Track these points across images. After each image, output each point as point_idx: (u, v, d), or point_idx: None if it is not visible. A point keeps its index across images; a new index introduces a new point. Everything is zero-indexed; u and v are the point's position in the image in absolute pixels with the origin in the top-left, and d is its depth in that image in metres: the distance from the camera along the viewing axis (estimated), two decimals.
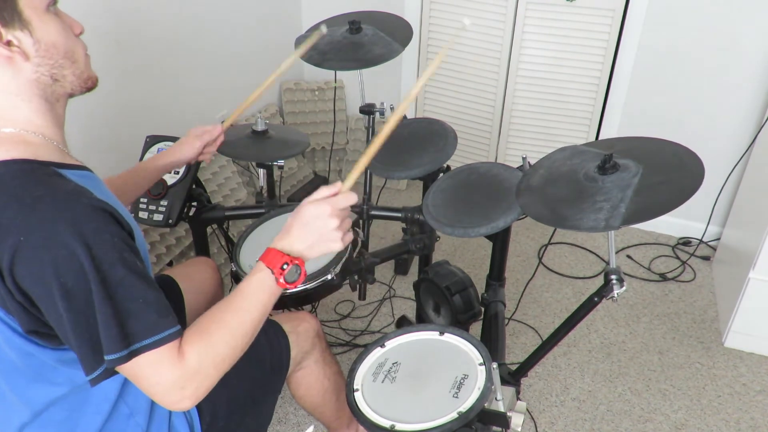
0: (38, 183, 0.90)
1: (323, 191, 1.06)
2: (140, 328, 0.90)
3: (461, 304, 1.71)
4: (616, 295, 1.31)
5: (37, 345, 0.95)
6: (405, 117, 2.09)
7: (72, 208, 0.88)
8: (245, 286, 1.03)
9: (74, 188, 0.92)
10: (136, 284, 0.90)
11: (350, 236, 1.08)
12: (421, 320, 1.93)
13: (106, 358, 0.89)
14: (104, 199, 0.93)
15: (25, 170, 0.92)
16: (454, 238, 2.65)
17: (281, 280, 1.03)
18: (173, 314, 0.94)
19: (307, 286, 1.48)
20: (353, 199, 1.06)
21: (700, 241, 2.70)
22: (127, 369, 0.92)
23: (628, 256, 2.66)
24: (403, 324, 1.73)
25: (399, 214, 2.04)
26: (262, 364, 1.29)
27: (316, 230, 1.04)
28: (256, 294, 1.03)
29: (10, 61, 0.93)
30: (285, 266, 1.02)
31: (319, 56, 1.94)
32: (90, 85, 1.04)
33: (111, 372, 0.91)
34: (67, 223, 0.86)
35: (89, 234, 0.87)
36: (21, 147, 0.94)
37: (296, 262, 1.03)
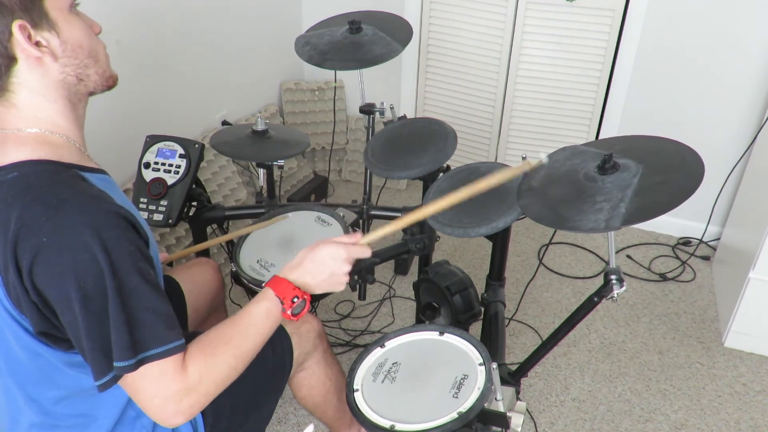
0: (63, 185, 0.91)
1: (343, 237, 1.13)
2: (148, 338, 0.91)
3: (461, 304, 1.71)
4: (615, 295, 1.31)
5: (47, 346, 0.96)
6: (405, 116, 2.10)
7: (96, 213, 0.89)
8: (253, 311, 1.05)
9: (97, 193, 0.93)
10: (148, 294, 0.92)
11: (348, 281, 1.15)
12: (421, 320, 1.94)
13: (115, 365, 0.90)
14: (123, 205, 0.95)
15: (49, 171, 0.93)
16: (454, 238, 2.65)
17: (288, 312, 1.06)
18: (179, 327, 0.96)
19: None
20: (367, 254, 1.13)
21: (700, 241, 2.70)
22: (129, 379, 0.92)
23: (628, 256, 2.66)
24: (428, 311, 1.73)
25: (399, 214, 2.04)
26: (265, 365, 1.29)
27: (328, 269, 1.09)
28: (262, 321, 1.05)
29: (39, 62, 0.94)
30: (295, 299, 1.06)
31: (319, 56, 1.94)
32: (111, 83, 1.05)
33: (118, 379, 0.92)
34: (90, 227, 0.87)
35: (110, 240, 0.88)
36: (45, 148, 0.96)
37: (305, 297, 1.08)
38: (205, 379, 0.96)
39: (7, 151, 0.95)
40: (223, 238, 1.74)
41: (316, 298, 1.64)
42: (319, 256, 1.09)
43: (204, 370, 0.96)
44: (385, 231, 1.14)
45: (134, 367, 0.90)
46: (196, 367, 0.95)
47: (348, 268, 1.10)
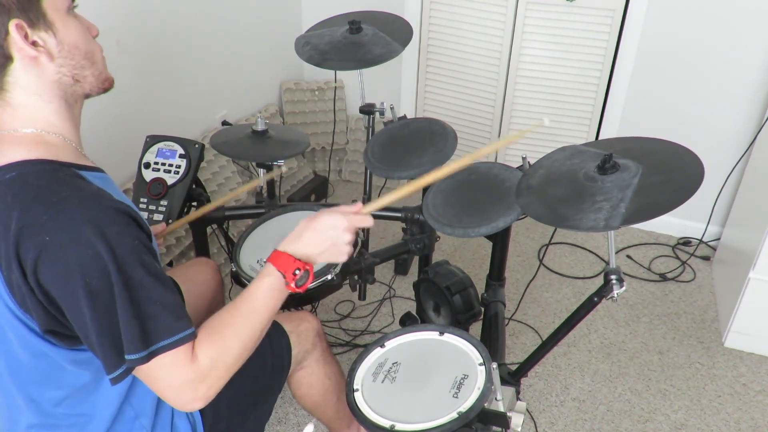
0: (63, 184, 0.92)
1: (343, 207, 1.11)
2: (159, 329, 0.91)
3: (461, 304, 1.71)
4: (615, 295, 1.31)
5: (53, 345, 0.96)
6: (405, 116, 2.10)
7: (97, 210, 0.89)
8: (255, 289, 1.05)
9: (96, 190, 0.93)
10: (154, 286, 0.92)
11: (352, 251, 1.13)
12: (421, 320, 1.93)
13: (127, 357, 0.90)
14: (123, 201, 0.95)
15: (48, 170, 0.93)
16: (454, 238, 2.65)
17: (292, 285, 1.05)
18: (188, 316, 0.96)
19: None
20: (370, 222, 1.11)
21: (700, 241, 2.70)
22: (143, 370, 0.93)
23: (628, 256, 2.66)
24: (407, 321, 1.74)
25: (399, 214, 2.04)
26: (264, 364, 1.29)
27: (329, 239, 1.08)
28: (266, 297, 1.05)
29: (35, 62, 0.94)
30: (297, 271, 1.05)
31: (319, 56, 1.94)
32: (107, 85, 1.05)
33: (130, 371, 0.93)
34: (92, 224, 0.87)
35: (113, 235, 0.88)
36: (42, 147, 0.96)
37: (307, 267, 1.07)
38: (217, 363, 0.97)
39: (3, 151, 0.95)
40: (203, 210, 1.70)
41: (315, 297, 1.64)
42: (320, 225, 1.08)
43: (215, 355, 0.96)
44: (385, 200, 1.14)
45: (146, 359, 0.91)
46: (206, 353, 0.96)
47: (350, 237, 1.09)
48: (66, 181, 0.92)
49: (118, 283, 0.88)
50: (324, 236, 1.08)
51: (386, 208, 2.09)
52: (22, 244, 0.87)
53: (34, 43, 0.93)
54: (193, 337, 0.95)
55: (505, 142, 1.16)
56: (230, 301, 1.04)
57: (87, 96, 1.04)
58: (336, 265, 1.51)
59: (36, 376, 1.00)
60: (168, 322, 0.92)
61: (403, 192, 1.14)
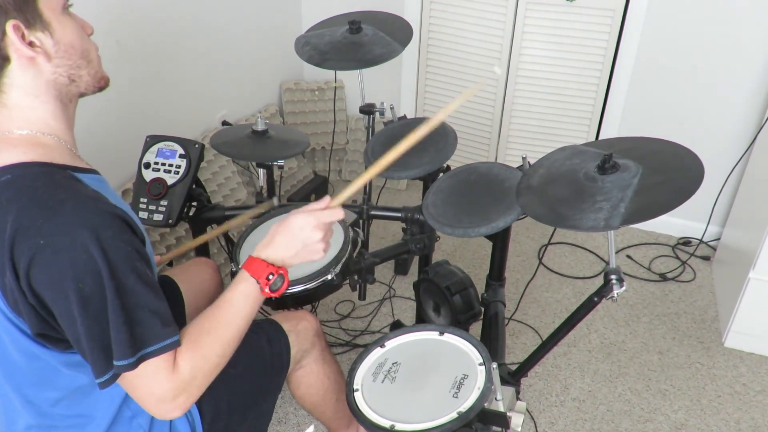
0: (59, 187, 0.91)
1: (311, 205, 1.10)
2: (147, 336, 0.92)
3: (461, 304, 1.71)
4: (615, 295, 1.32)
5: (45, 348, 0.96)
6: (405, 116, 2.10)
7: (93, 214, 0.89)
8: (231, 296, 1.06)
9: (93, 194, 0.93)
10: (144, 293, 0.92)
11: (327, 247, 1.12)
12: (421, 320, 1.93)
13: (116, 363, 0.90)
14: (118, 205, 0.95)
15: (44, 173, 0.93)
16: (454, 238, 2.65)
17: (266, 290, 1.06)
18: (174, 324, 0.96)
19: (307, 286, 1.48)
20: (339, 215, 1.10)
21: (700, 241, 2.70)
22: (127, 377, 0.93)
23: (628, 256, 2.66)
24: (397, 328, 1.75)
25: (399, 214, 2.04)
26: (263, 364, 1.29)
27: (300, 240, 1.08)
28: (242, 303, 1.05)
29: (32, 62, 0.94)
30: (270, 276, 1.06)
31: (319, 56, 1.94)
32: (102, 84, 1.05)
33: (117, 377, 0.93)
34: (88, 228, 0.87)
35: (107, 240, 0.88)
36: (37, 149, 0.95)
37: (281, 272, 1.07)
38: (196, 373, 0.97)
39: None
40: (217, 231, 1.74)
41: (315, 297, 1.64)
42: (290, 228, 1.08)
43: (194, 364, 0.97)
44: (352, 189, 1.12)
45: (134, 365, 0.91)
46: (186, 363, 0.96)
47: (320, 234, 1.08)
48: (62, 183, 0.92)
49: (110, 288, 0.88)
50: (294, 238, 1.08)
51: (386, 208, 2.10)
52: (17, 246, 0.87)
53: (30, 44, 0.92)
54: (177, 344, 0.95)
55: (459, 101, 1.13)
56: (207, 308, 1.05)
57: (82, 95, 1.04)
58: (336, 264, 1.51)
59: (31, 377, 1.00)
60: (156, 328, 0.92)
61: (368, 176, 1.14)
